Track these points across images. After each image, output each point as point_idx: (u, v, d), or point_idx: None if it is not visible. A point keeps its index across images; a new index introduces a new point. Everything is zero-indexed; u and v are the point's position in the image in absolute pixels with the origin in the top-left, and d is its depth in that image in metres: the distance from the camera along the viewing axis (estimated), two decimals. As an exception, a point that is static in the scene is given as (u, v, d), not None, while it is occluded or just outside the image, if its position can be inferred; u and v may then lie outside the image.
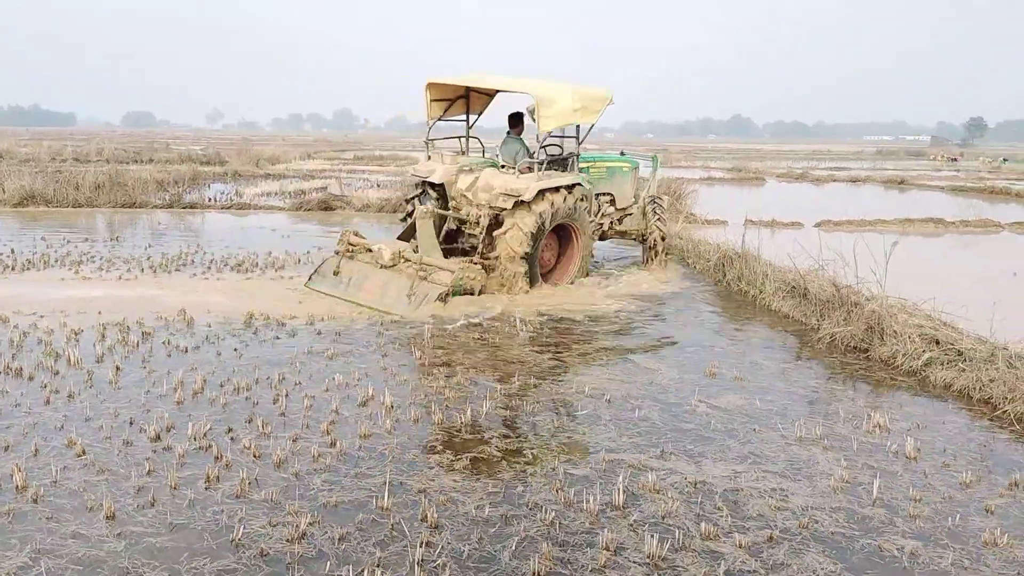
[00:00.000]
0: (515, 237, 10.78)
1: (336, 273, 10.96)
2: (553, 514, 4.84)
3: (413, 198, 12.25)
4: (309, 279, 11.20)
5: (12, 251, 13.82)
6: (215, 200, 22.87)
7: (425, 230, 11.16)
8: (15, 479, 5.05)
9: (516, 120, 12.11)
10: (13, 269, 12.31)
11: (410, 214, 12.19)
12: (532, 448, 5.88)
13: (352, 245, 11.29)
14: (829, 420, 6.64)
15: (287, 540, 4.49)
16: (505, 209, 10.92)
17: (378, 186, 27.07)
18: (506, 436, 6.10)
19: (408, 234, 11.89)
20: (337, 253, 11.34)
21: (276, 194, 25.20)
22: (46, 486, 5.03)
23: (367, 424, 6.20)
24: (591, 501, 4.97)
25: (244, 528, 4.59)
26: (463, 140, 12.81)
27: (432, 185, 11.86)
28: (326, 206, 22.05)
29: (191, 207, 21.81)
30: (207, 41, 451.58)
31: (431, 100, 12.08)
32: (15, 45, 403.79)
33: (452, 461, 5.60)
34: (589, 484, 5.27)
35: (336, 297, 10.59)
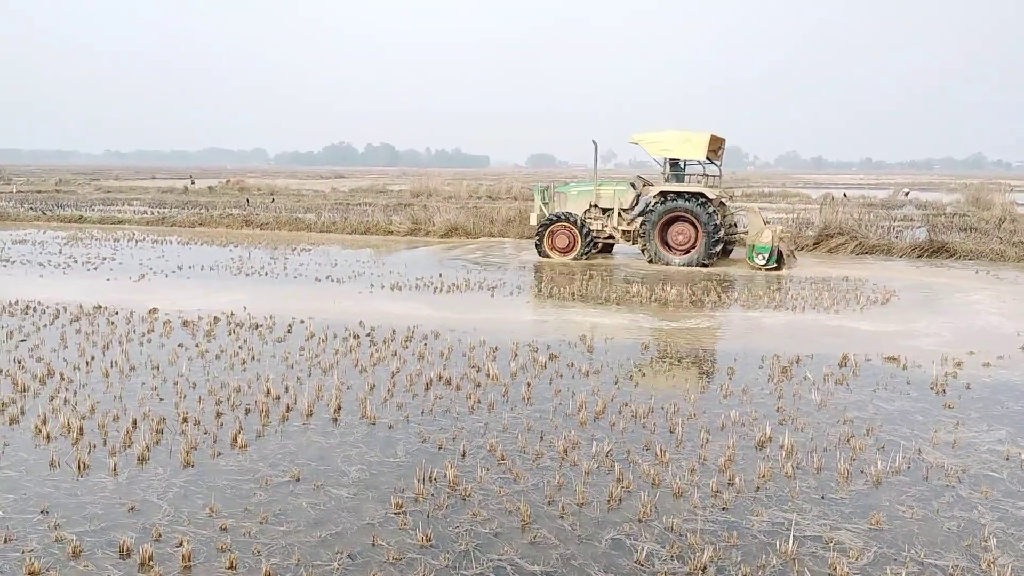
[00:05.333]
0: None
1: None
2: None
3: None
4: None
5: (440, 275, 15.80)
6: (609, 234, 24.05)
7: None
8: (448, 476, 5.68)
9: None
10: (440, 290, 14.03)
11: None
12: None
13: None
14: None
15: (689, 572, 4.48)
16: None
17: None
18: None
19: None
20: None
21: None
22: (472, 486, 5.58)
23: (764, 464, 5.99)
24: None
25: (647, 551, 4.66)
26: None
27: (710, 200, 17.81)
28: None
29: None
30: (596, 93, 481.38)
31: (709, 147, 18.01)
32: (441, 103, 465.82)
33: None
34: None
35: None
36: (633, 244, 18.82)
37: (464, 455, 6.19)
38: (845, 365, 9.04)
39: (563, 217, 18.84)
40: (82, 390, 7.66)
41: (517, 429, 6.78)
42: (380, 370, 8.57)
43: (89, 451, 6.08)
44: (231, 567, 4.45)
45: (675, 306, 12.79)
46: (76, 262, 17.19)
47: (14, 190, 45.05)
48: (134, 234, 23.45)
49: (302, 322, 10.95)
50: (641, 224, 18.15)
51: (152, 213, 30.27)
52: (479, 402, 7.49)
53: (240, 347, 9.46)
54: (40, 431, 6.44)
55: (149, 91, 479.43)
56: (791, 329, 11.15)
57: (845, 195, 26.66)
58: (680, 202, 17.70)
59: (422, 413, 7.18)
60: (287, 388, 7.79)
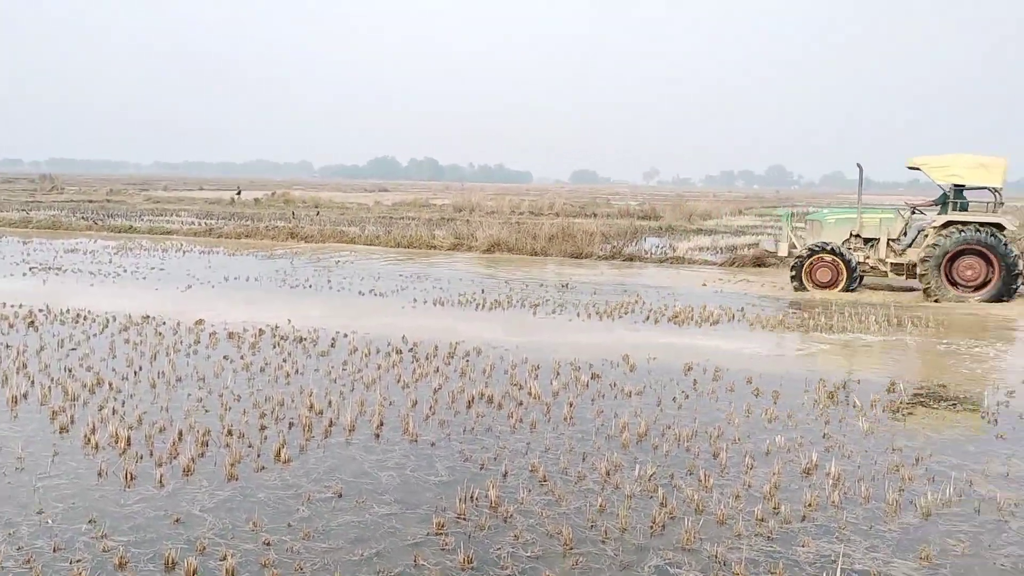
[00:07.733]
0: None
1: None
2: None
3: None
4: None
5: (482, 291, 15.82)
6: (651, 253, 23.89)
7: None
8: (489, 496, 5.64)
9: None
10: (483, 307, 14.03)
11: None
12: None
13: None
14: None
15: (735, 602, 4.39)
16: None
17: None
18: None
19: None
20: None
21: (708, 249, 25.65)
22: (516, 506, 5.54)
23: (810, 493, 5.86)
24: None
25: (691, 581, 4.59)
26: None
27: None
28: (759, 262, 21.77)
29: (630, 259, 23.02)
30: (646, 102, 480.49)
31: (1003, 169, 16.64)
32: (487, 118, 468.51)
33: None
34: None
35: None
36: (907, 278, 17.34)
37: (506, 475, 6.15)
38: None
39: (827, 248, 17.13)
40: (130, 400, 7.78)
41: (559, 450, 6.73)
42: (422, 386, 8.58)
43: (136, 461, 6.16)
44: (274, 583, 4.46)
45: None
46: (125, 271, 17.55)
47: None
48: (182, 244, 23.91)
49: (345, 336, 11.02)
50: (923, 258, 16.37)
51: (199, 224, 30.82)
52: (520, 421, 7.45)
53: (284, 360, 9.54)
54: (89, 440, 6.55)
55: (197, 103, 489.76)
56: None
57: None
58: (972, 233, 16.08)
59: (464, 431, 7.17)
60: (330, 402, 7.83)
